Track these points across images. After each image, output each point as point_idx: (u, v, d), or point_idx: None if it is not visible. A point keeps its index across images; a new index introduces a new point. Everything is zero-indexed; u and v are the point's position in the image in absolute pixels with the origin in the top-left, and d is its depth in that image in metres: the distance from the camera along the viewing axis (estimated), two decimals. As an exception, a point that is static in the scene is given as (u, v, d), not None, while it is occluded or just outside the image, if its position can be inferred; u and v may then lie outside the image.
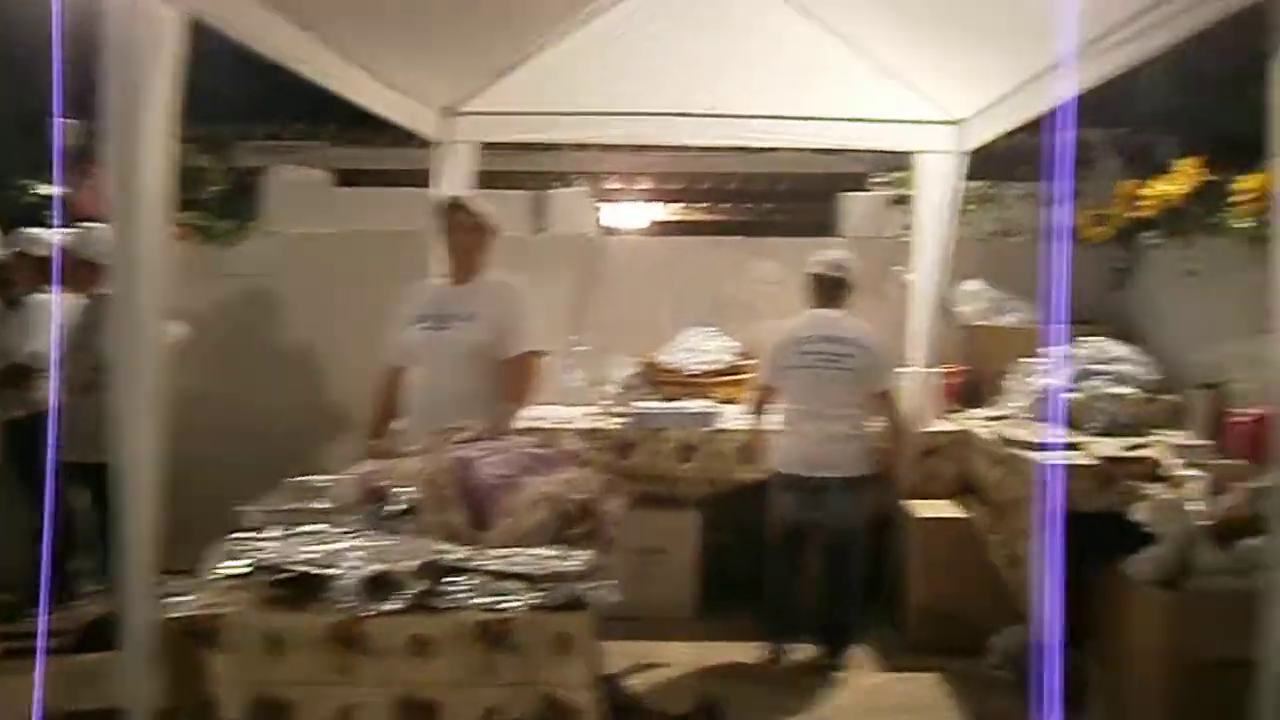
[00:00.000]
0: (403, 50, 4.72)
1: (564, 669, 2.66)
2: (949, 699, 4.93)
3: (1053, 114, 4.55)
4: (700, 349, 6.36)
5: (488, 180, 6.08)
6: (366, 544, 2.97)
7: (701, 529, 5.98)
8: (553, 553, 2.94)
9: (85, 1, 2.93)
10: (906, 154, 6.03)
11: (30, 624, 5.32)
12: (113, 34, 2.90)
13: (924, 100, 5.56)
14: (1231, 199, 5.21)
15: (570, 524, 3.22)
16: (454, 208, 4.71)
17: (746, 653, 5.40)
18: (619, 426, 5.88)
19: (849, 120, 5.79)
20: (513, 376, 4.58)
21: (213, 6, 3.23)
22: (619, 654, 5.18)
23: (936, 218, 5.78)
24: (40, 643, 4.34)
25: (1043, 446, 4.92)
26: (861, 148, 6.20)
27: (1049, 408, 5.45)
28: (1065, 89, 4.20)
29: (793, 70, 5.50)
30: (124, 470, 3.03)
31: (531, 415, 5.87)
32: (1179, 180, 5.61)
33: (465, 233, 4.67)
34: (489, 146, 6.01)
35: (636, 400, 6.07)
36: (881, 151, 6.33)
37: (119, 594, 5.28)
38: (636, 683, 5.06)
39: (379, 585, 2.73)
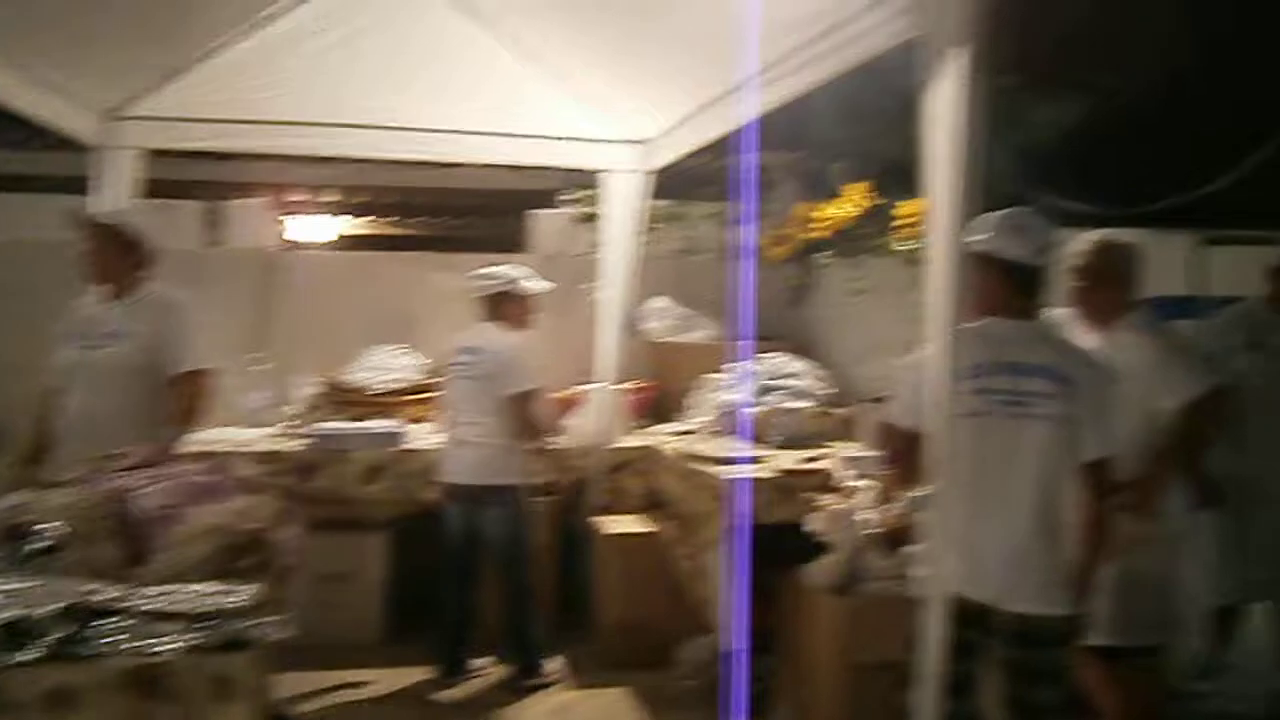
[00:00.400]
0: (56, 46, 4.36)
1: (226, 714, 2.47)
2: (637, 713, 4.96)
3: (733, 136, 4.72)
4: (386, 367, 6.20)
5: (158, 189, 5.71)
6: (2, 587, 2.68)
7: (389, 552, 5.80)
8: (215, 588, 2.74)
9: None
10: (593, 172, 6.06)
11: None
12: None
13: (610, 120, 5.61)
14: (895, 222, 5.51)
15: (238, 556, 3.02)
16: (95, 225, 4.40)
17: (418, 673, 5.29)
18: (301, 448, 5.64)
19: (534, 138, 5.76)
20: (177, 397, 4.31)
21: None
22: (301, 684, 4.97)
23: (623, 236, 5.84)
24: None
25: (725, 460, 5.05)
26: (547, 165, 6.20)
27: (732, 422, 5.61)
28: (744, 112, 4.35)
29: (480, 86, 5.45)
30: None
31: (204, 439, 5.57)
32: (848, 204, 5.89)
33: (110, 251, 4.38)
34: (158, 154, 5.65)
35: (320, 421, 5.84)
36: (568, 170, 6.35)
37: None
38: (313, 713, 4.84)
39: (14, 632, 2.46)
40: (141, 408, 4.25)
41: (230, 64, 5.17)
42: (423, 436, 5.90)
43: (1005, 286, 3.17)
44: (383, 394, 6.10)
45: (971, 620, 3.07)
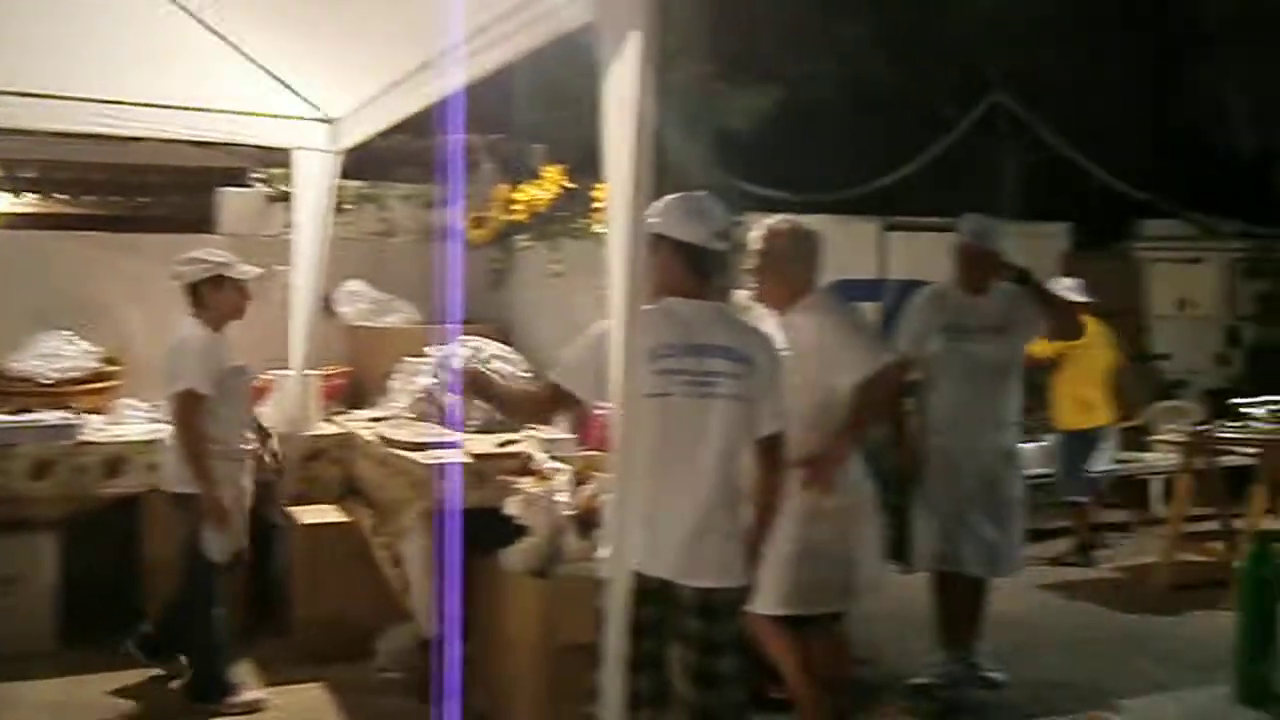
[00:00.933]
0: None
1: None
2: (335, 707, 4.84)
3: (428, 115, 4.63)
4: (57, 355, 5.78)
5: None
6: None
7: (62, 553, 5.42)
8: None
9: None
10: (284, 150, 5.83)
11: None
12: None
13: (297, 97, 5.41)
14: (593, 205, 5.57)
15: None
16: None
17: (121, 681, 4.99)
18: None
19: (219, 112, 5.50)
20: None
21: None
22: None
23: (314, 216, 5.65)
24: None
25: (422, 446, 4.98)
26: (232, 141, 5.93)
27: (429, 407, 5.54)
28: (434, 91, 4.27)
29: (155, 55, 5.12)
30: None
31: None
32: (545, 186, 5.91)
33: None
34: None
35: (-21, 413, 5.40)
36: (256, 147, 6.09)
37: None
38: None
39: None
40: None
41: None
42: (100, 428, 5.56)
43: (682, 268, 3.22)
44: (54, 383, 5.69)
45: (654, 597, 3.13)
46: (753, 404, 3.23)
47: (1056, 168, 12.23)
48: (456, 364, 5.05)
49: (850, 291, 9.07)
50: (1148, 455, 8.28)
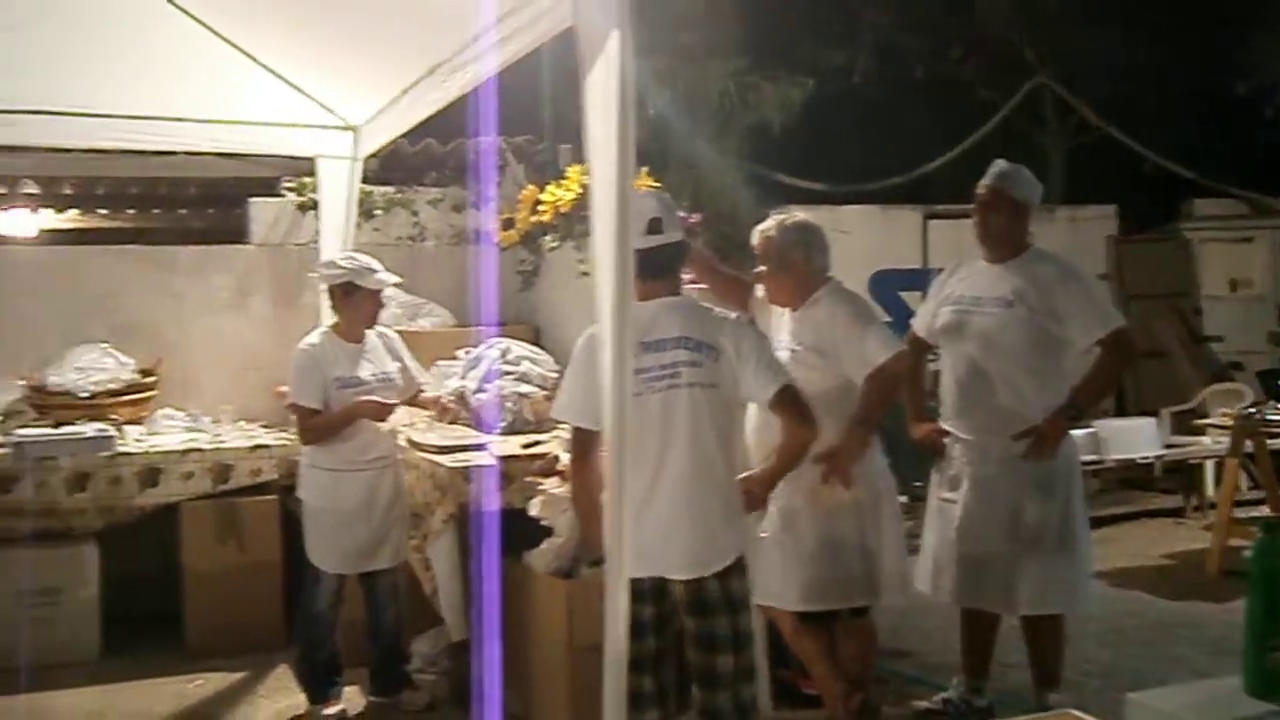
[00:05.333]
0: None
1: None
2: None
3: (455, 119, 4.65)
4: (94, 367, 5.86)
5: None
6: None
7: (102, 563, 5.51)
8: None
9: None
10: (309, 159, 5.88)
11: None
12: None
13: (318, 106, 5.45)
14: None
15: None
16: None
17: (159, 692, 5.05)
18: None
19: (243, 124, 5.54)
20: None
21: None
22: (7, 712, 4.69)
23: (340, 223, 5.68)
24: None
25: (449, 449, 4.99)
26: (260, 152, 5.99)
27: (460, 410, 5.56)
28: (450, 94, 4.29)
29: (185, 72, 5.18)
30: None
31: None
32: (570, 186, 5.90)
33: None
34: None
35: (20, 427, 5.50)
36: (283, 157, 6.14)
37: None
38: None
39: None
40: None
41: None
42: (137, 439, 5.64)
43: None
44: (91, 396, 5.78)
45: (650, 596, 3.14)
46: (721, 388, 3.29)
47: (1103, 149, 12.07)
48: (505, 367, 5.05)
49: (892, 281, 9.07)
50: (1202, 439, 8.08)
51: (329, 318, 5.08)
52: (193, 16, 4.93)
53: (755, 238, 4.19)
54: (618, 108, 2.59)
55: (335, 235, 5.66)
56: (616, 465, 2.78)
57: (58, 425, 5.60)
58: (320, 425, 4.59)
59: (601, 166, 2.69)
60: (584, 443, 3.28)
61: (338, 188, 5.62)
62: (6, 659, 5.06)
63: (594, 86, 2.68)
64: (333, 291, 4.70)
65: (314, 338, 4.74)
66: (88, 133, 5.48)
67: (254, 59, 5.16)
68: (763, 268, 4.16)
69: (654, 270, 3.27)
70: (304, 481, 4.75)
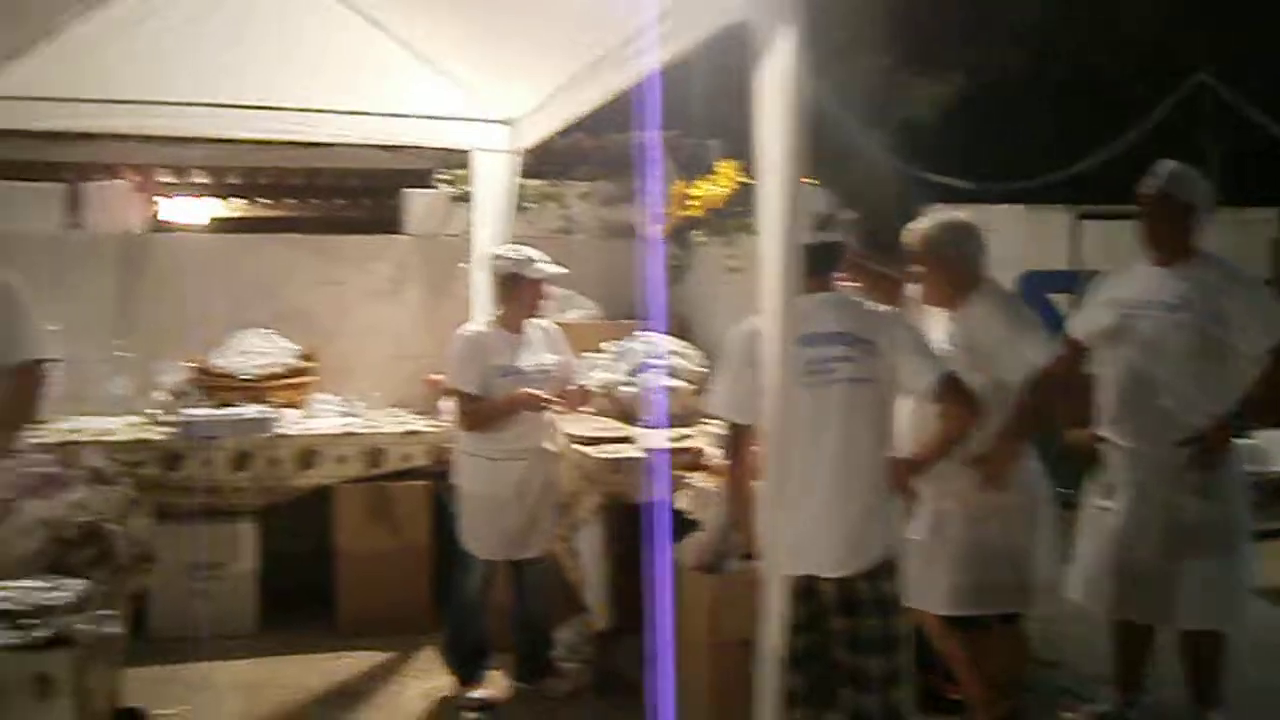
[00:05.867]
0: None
1: (46, 712, 2.41)
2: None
3: (607, 113, 4.69)
4: (256, 351, 6.07)
5: (11, 170, 5.54)
6: None
7: (260, 540, 5.71)
8: (40, 585, 2.67)
9: None
10: (464, 152, 5.99)
11: None
12: None
13: (476, 98, 5.55)
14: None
15: (72, 550, 2.95)
16: None
17: (312, 667, 5.21)
18: (167, 436, 5.53)
19: (404, 117, 5.68)
20: (13, 388, 4.14)
21: None
22: (171, 679, 4.88)
23: (494, 216, 5.78)
24: None
25: (597, 440, 5.05)
26: (417, 145, 6.13)
27: (608, 402, 5.62)
28: (609, 88, 4.33)
29: (345, 64, 5.36)
30: None
31: (63, 427, 5.44)
32: (720, 182, 5.91)
33: None
34: (13, 134, 5.47)
35: (187, 407, 5.71)
36: (439, 149, 6.28)
37: None
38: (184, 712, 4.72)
39: None
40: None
41: (81, 41, 4.99)
42: (295, 422, 5.81)
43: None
44: (253, 379, 5.98)
45: (803, 594, 3.13)
46: (877, 384, 3.28)
47: (1267, 149, 11.60)
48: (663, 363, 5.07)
49: (1041, 283, 8.85)
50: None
51: (480, 308, 5.18)
52: (357, 10, 5.08)
53: (910, 236, 4.14)
54: (789, 103, 2.59)
55: (489, 227, 5.77)
56: (777, 462, 2.78)
57: (221, 406, 5.80)
58: (480, 412, 4.67)
59: (770, 162, 2.70)
60: (739, 438, 3.29)
61: (492, 180, 5.73)
62: (174, 629, 5.33)
63: (764, 82, 2.69)
64: (496, 282, 4.78)
65: (476, 325, 4.84)
66: (255, 124, 5.66)
67: (414, 52, 5.30)
68: (918, 266, 4.12)
69: (818, 266, 3.27)
70: (459, 468, 4.84)
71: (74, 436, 5.30)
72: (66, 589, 2.64)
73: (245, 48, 5.14)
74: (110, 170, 6.92)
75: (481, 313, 5.49)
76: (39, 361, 4.20)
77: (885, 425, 3.35)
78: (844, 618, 3.24)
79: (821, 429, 3.23)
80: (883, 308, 3.52)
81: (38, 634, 2.48)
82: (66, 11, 4.72)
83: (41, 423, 4.84)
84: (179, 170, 7.86)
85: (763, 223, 2.78)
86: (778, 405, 2.78)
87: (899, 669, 3.32)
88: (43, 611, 2.54)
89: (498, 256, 4.83)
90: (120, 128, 5.66)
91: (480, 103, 5.58)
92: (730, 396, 3.33)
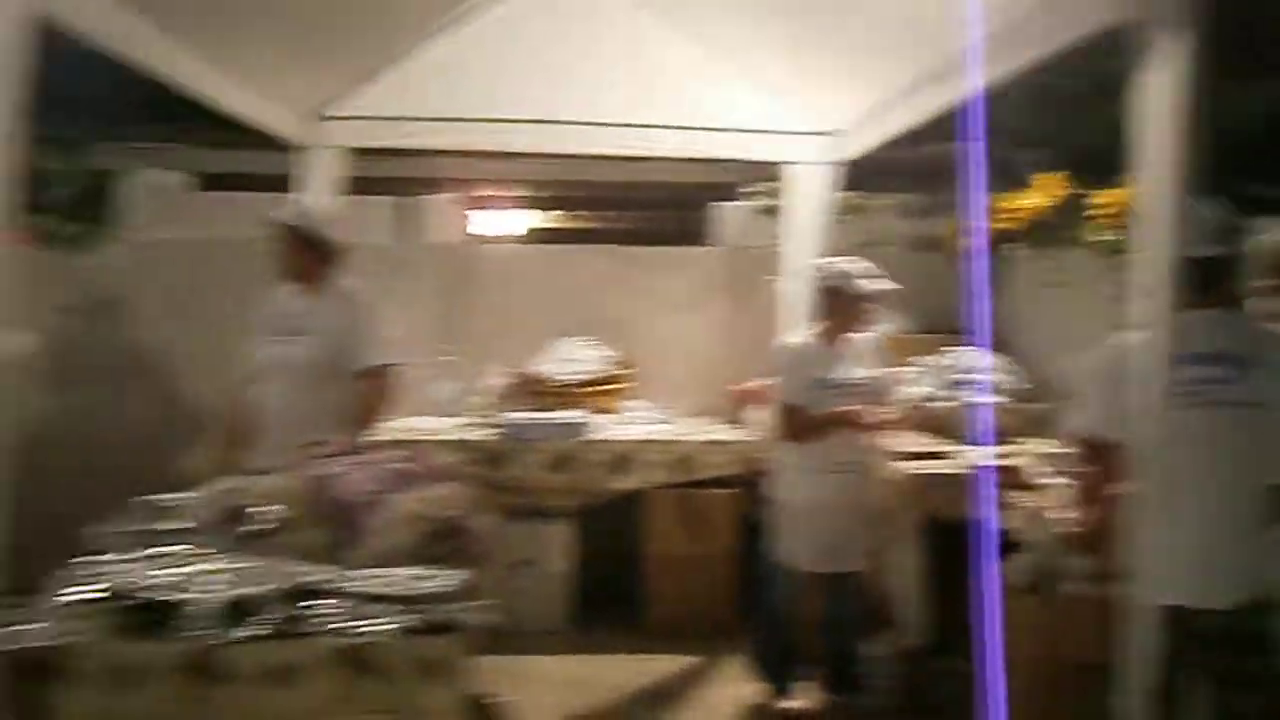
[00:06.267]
0: (264, 50, 4.55)
1: (434, 695, 2.56)
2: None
3: (924, 126, 4.62)
4: (573, 359, 6.28)
5: (353, 186, 5.91)
6: (224, 566, 2.83)
7: (573, 541, 5.90)
8: (423, 573, 2.84)
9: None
10: (777, 164, 6.03)
11: None
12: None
13: (795, 111, 5.58)
14: (1091, 212, 5.34)
15: (438, 542, 3.12)
16: (283, 224, 4.56)
17: (625, 667, 5.35)
18: (489, 438, 5.78)
19: (719, 131, 5.74)
20: (363, 391, 4.46)
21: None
22: (491, 671, 5.09)
23: (806, 229, 5.79)
24: None
25: (912, 455, 4.98)
26: (733, 158, 6.20)
27: (922, 417, 5.52)
28: (942, 100, 4.26)
29: (666, 80, 5.49)
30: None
31: (398, 427, 5.77)
32: (1042, 194, 5.73)
33: (298, 248, 4.54)
34: (357, 152, 5.85)
35: (507, 411, 5.97)
36: (752, 162, 6.33)
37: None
38: (515, 701, 4.91)
39: (237, 610, 2.59)
40: (330, 399, 4.39)
41: (427, 62, 5.33)
42: (608, 427, 5.97)
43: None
44: (570, 385, 6.19)
45: (1170, 625, 2.99)
46: (1261, 408, 3.08)
47: None
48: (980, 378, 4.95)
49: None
50: None
51: (789, 321, 5.18)
52: (675, 24, 5.19)
53: (1257, 248, 3.89)
54: (1178, 110, 2.49)
55: (801, 240, 5.78)
56: (1148, 485, 2.67)
57: (539, 410, 6.02)
58: (803, 424, 4.69)
59: (1154, 172, 2.59)
60: (1101, 457, 3.17)
61: (807, 193, 5.73)
62: (492, 623, 5.55)
63: (1148, 89, 2.59)
64: (818, 295, 4.79)
65: (800, 337, 4.86)
66: (576, 139, 5.87)
67: (733, 63, 5.36)
68: (1270, 280, 3.88)
69: (1204, 280, 3.11)
70: (777, 478, 4.86)
71: (405, 436, 5.61)
72: (448, 578, 2.79)
73: (572, 65, 5.35)
74: (435, 185, 7.29)
75: (790, 326, 5.52)
76: (386, 366, 4.51)
77: (1268, 452, 3.14)
78: (1219, 652, 3.07)
79: (1200, 453, 3.07)
80: (1271, 326, 3.32)
81: (425, 619, 2.63)
82: (420, 34, 5.03)
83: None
84: (499, 184, 8.22)
85: (1142, 235, 2.67)
86: (1152, 426, 2.66)
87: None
88: (429, 598, 2.69)
89: (821, 269, 4.83)
90: (453, 144, 5.95)
91: (798, 114, 5.59)
92: (1099, 413, 3.21)
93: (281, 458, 3.77)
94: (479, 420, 6.01)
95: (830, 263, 4.88)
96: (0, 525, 2.84)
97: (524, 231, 8.53)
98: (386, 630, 2.58)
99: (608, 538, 5.94)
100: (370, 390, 4.50)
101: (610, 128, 5.74)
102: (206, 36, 4.09)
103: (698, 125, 5.75)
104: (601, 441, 5.84)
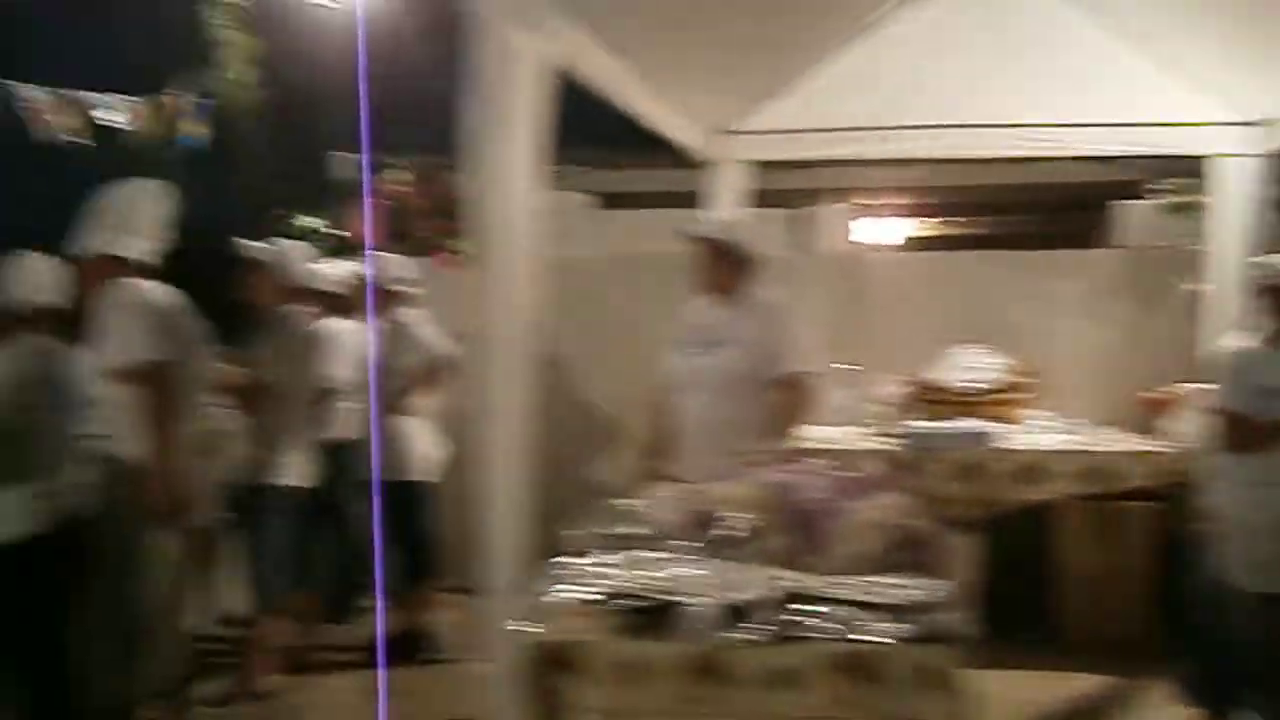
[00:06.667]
0: (682, 69, 4.71)
1: (933, 704, 2.56)
2: None
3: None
4: (973, 367, 6.15)
5: (751, 199, 6.04)
6: (708, 571, 2.93)
7: (979, 553, 5.76)
8: (908, 581, 2.85)
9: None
10: (1194, 158, 5.70)
11: (323, 637, 5.52)
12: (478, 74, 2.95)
13: (1220, 101, 5.26)
14: None
15: (900, 550, 3.13)
16: (702, 237, 4.66)
17: (1037, 683, 5.18)
18: (892, 447, 5.75)
19: (1131, 125, 5.49)
20: (780, 399, 4.51)
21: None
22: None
23: (1234, 226, 5.44)
24: (380, 656, 4.51)
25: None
26: (1148, 153, 5.90)
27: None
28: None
29: (1073, 73, 5.31)
30: (485, 491, 3.08)
31: (804, 437, 5.82)
32: None
33: (717, 261, 4.63)
34: (754, 165, 5.95)
35: (907, 420, 5.91)
36: (1168, 157, 6.01)
37: (410, 608, 5.45)
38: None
39: (733, 614, 2.68)
40: (750, 408, 4.47)
41: (828, 77, 5.37)
42: (1012, 437, 5.81)
43: None
44: (967, 394, 6.07)
45: None
46: None
47: None
48: None
49: None
50: None
51: (1206, 324, 4.86)
52: (1095, 17, 5.00)
53: None
54: None
55: (1227, 239, 5.44)
56: None
57: (937, 419, 5.93)
58: (1251, 433, 4.39)
59: None
60: None
61: (1233, 187, 5.40)
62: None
63: None
64: (1262, 295, 4.48)
65: (1244, 341, 4.56)
66: (979, 142, 5.76)
67: (1154, 55, 5.11)
68: None
69: None
70: (1215, 491, 4.58)
71: (809, 445, 5.65)
72: (935, 587, 2.80)
73: (979, 63, 5.25)
74: (825, 195, 7.34)
75: (1213, 329, 5.22)
76: (805, 374, 4.57)
77: None
78: None
79: None
80: None
81: (920, 628, 2.64)
82: (827, 47, 5.08)
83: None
84: (886, 192, 8.20)
85: None
86: None
87: None
88: (920, 607, 2.70)
89: (1262, 267, 4.52)
90: (859, 153, 5.97)
91: (1224, 104, 5.28)
92: None
93: (705, 466, 3.87)
94: (880, 430, 5.98)
95: (1272, 260, 4.55)
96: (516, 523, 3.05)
97: (902, 239, 8.45)
98: (886, 637, 2.60)
99: (1015, 550, 5.77)
100: (789, 398, 4.57)
101: (1013, 128, 5.61)
102: (637, 57, 4.25)
103: (1111, 121, 5.53)
104: (1007, 451, 5.67)
